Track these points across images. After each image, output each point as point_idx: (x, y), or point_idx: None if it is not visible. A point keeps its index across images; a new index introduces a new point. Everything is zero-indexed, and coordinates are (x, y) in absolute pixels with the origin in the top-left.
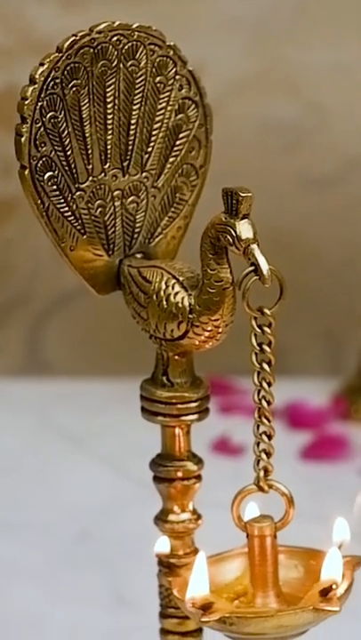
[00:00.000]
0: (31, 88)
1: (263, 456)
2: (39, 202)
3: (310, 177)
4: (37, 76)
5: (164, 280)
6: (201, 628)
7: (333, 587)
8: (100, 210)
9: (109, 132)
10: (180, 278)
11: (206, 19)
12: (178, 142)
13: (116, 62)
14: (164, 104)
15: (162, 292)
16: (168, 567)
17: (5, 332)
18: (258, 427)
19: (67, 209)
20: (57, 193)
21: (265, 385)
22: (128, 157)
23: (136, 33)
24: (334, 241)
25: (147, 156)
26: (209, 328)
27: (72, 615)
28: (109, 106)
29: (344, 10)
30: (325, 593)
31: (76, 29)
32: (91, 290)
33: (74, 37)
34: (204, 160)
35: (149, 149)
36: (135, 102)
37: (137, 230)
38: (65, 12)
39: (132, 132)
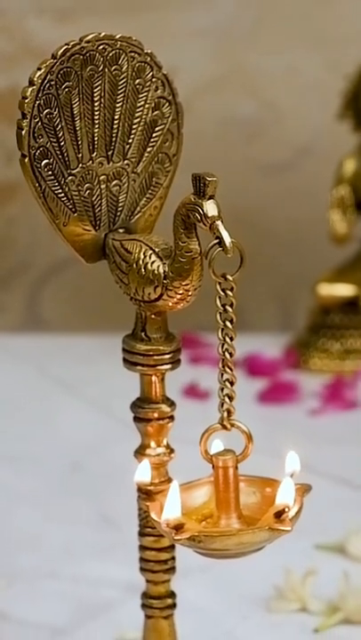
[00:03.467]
0: (30, 89)
1: (226, 399)
2: (37, 185)
3: (266, 164)
4: (35, 79)
5: (143, 251)
6: (173, 545)
7: (286, 510)
8: (88, 192)
9: (96, 126)
10: (156, 249)
11: (178, 30)
12: (154, 135)
13: (101, 67)
14: (142, 102)
15: (140, 261)
16: (146, 493)
17: (8, 294)
18: (222, 375)
19: (60, 191)
20: (52, 177)
21: (228, 339)
22: (112, 147)
23: (119, 42)
24: (286, 218)
25: (128, 146)
26: (180, 292)
27: (64, 533)
28: (96, 104)
29: (294, 22)
30: (279, 515)
31: (68, 39)
32: (81, 259)
33: (66, 46)
34: (177, 150)
35: (130, 141)
36: (118, 101)
37: (120, 209)
38: (59, 25)
39: (115, 126)
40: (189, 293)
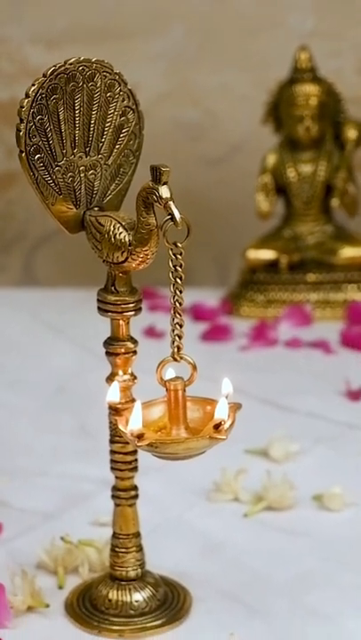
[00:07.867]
0: (26, 100)
1: (177, 338)
2: (31, 174)
3: (208, 158)
4: (30, 92)
5: (112, 224)
6: (136, 450)
7: (222, 423)
8: (70, 179)
9: (77, 128)
10: (123, 223)
11: (139, 54)
12: (121, 135)
13: (81, 83)
14: (112, 110)
15: (111, 232)
16: (115, 410)
17: (9, 257)
18: (173, 319)
19: (49, 178)
20: (43, 168)
21: (178, 292)
22: (89, 145)
23: (94, 64)
24: (224, 200)
25: (101, 144)
26: (141, 256)
27: (53, 441)
28: (77, 111)
29: (229, 49)
30: (217, 427)
31: (55, 62)
32: (65, 231)
33: (54, 67)
34: (138, 147)
35: (103, 140)
36: (94, 109)
37: (95, 192)
38: (48, 51)
39: (91, 129)
40: (148, 257)
